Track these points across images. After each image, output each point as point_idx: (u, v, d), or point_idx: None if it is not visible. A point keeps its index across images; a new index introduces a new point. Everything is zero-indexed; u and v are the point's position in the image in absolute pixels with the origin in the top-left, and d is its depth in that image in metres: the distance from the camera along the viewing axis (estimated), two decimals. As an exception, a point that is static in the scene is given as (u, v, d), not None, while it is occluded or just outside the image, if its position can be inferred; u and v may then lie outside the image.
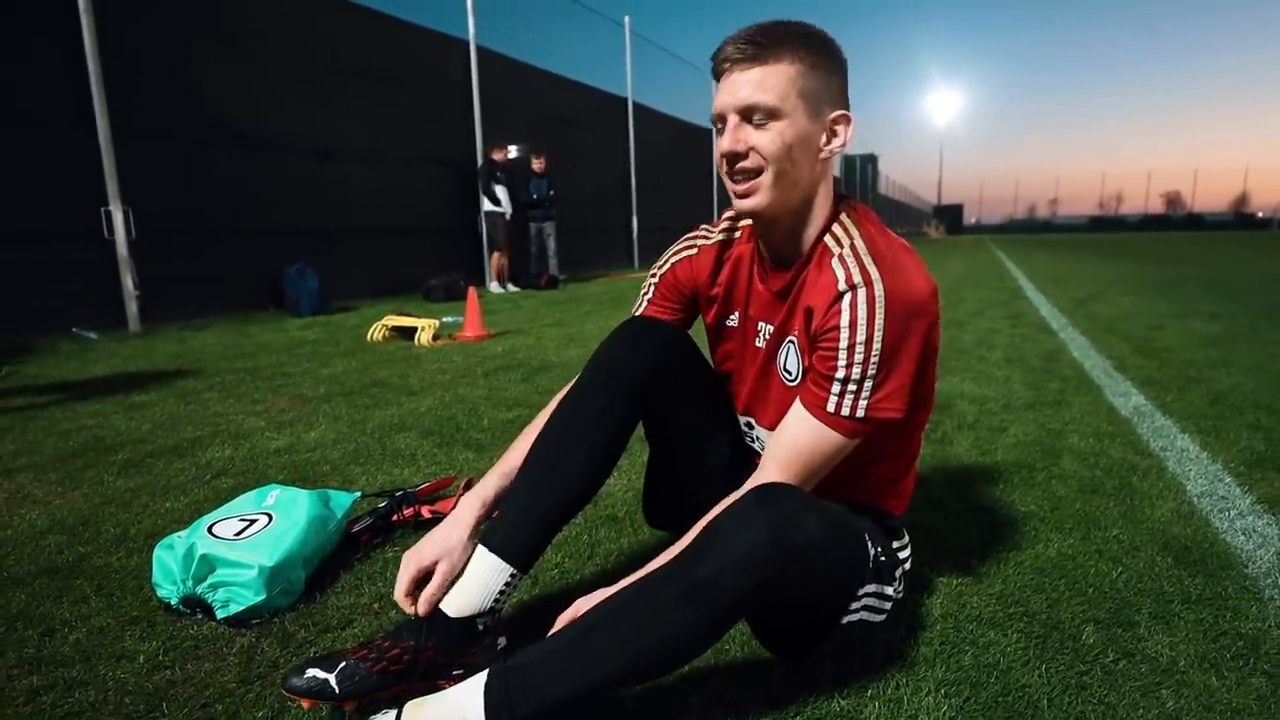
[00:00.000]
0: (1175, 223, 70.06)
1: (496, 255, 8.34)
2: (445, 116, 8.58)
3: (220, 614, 1.15)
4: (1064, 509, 1.59)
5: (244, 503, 1.39)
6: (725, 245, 1.14)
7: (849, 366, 0.90)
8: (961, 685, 0.97)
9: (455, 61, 8.67)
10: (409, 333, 4.42)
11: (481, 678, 0.83)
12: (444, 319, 4.89)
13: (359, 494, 1.52)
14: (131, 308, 5.29)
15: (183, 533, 1.29)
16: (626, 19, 12.48)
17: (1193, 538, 1.44)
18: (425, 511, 1.53)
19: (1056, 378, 2.99)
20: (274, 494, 1.40)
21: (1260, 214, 73.52)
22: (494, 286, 8.28)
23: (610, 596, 0.88)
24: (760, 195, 0.94)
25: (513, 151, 8.42)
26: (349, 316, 5.90)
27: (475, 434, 2.29)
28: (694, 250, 1.17)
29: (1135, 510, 1.59)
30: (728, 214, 1.16)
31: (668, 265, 1.20)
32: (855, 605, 0.98)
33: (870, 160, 44.98)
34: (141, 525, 1.58)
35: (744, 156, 0.93)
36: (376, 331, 4.46)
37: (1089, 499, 1.65)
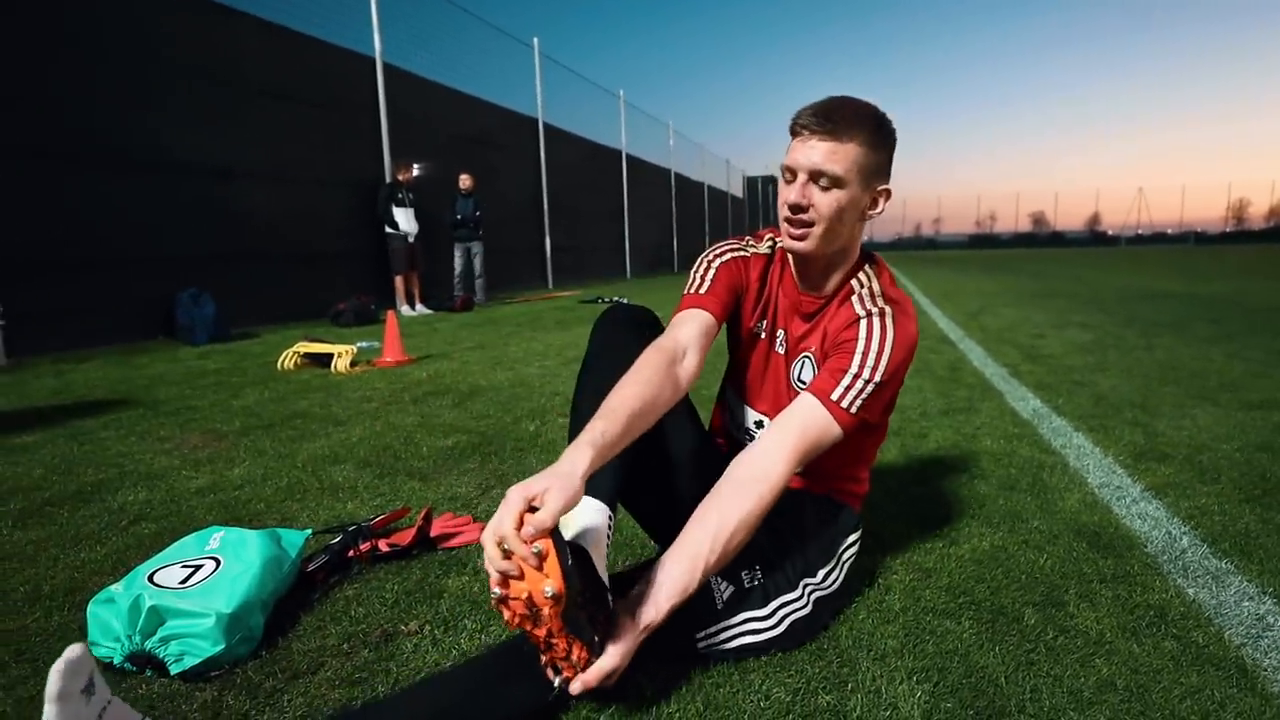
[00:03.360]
0: (1041, 240, 77.19)
1: (399, 278, 8.10)
2: (352, 135, 8.29)
3: (175, 669, 1.07)
4: (989, 505, 1.74)
5: (184, 548, 1.30)
6: (769, 261, 1.29)
7: (861, 366, 1.08)
8: (930, 671, 1.05)
9: (362, 79, 8.42)
10: (324, 359, 4.22)
11: None
12: (360, 344, 4.70)
13: (310, 531, 1.45)
14: (-5, 340, 4.77)
15: (118, 585, 1.19)
16: (535, 40, 12.56)
17: (1100, 524, 1.61)
18: (382, 545, 1.47)
19: (963, 385, 3.25)
20: (217, 536, 1.32)
21: (1110, 231, 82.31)
22: (405, 309, 8.03)
23: None
24: (809, 242, 1.12)
25: (416, 170, 8.23)
26: (252, 344, 5.56)
27: (416, 462, 2.22)
28: (746, 255, 1.29)
29: (1049, 503, 1.75)
30: (769, 234, 1.31)
31: (727, 257, 1.27)
32: (716, 638, 1.07)
33: (771, 180, 46.87)
34: (56, 581, 1.44)
35: (805, 210, 1.10)
36: (288, 359, 4.23)
37: (1009, 495, 1.81)
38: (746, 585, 1.10)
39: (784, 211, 1.12)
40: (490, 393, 3.32)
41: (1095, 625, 1.18)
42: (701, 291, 1.22)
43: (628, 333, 1.19)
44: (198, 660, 1.07)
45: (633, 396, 1.00)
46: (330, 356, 4.15)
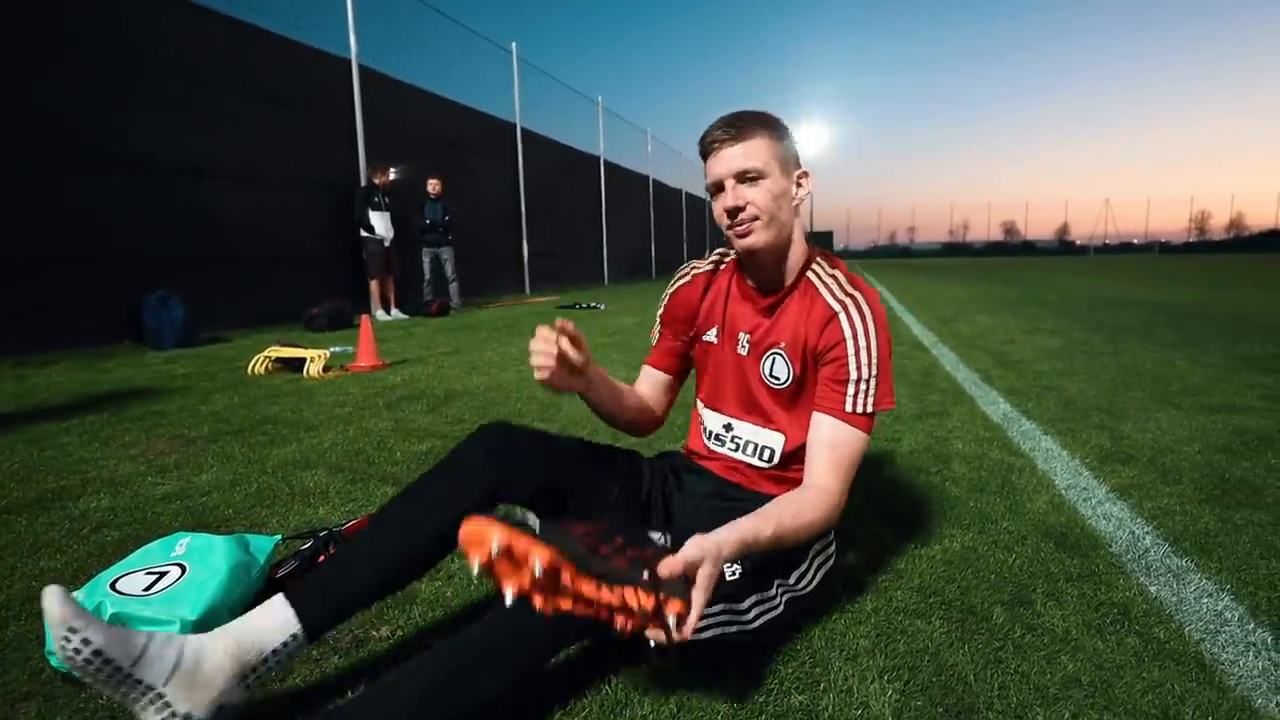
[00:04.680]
0: (1012, 249, 78.73)
1: (374, 282, 8.02)
2: (327, 137, 8.20)
3: None
4: (960, 507, 1.77)
5: (149, 554, 1.27)
6: (712, 274, 1.34)
7: (859, 368, 1.12)
8: (900, 670, 1.06)
9: (337, 81, 8.33)
10: (296, 364, 4.15)
11: None
12: (333, 349, 4.63)
13: (280, 536, 1.43)
14: (-47, 343, 4.63)
15: (80, 593, 1.16)
16: (513, 45, 12.54)
17: (1066, 525, 1.64)
18: (353, 549, 1.45)
19: (935, 390, 3.30)
20: (183, 542, 1.29)
21: (1079, 241, 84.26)
22: (380, 314, 7.95)
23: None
24: (756, 235, 1.16)
25: (393, 174, 8.16)
26: (222, 348, 5.46)
27: (389, 468, 2.20)
28: (687, 279, 1.36)
29: (1018, 504, 1.79)
30: (718, 250, 1.38)
31: (669, 296, 1.38)
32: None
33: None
34: (13, 589, 1.40)
35: (743, 208, 1.14)
36: (259, 364, 4.16)
37: (979, 497, 1.84)
38: (728, 578, 1.11)
39: (724, 221, 1.17)
40: (465, 397, 3.30)
41: (1061, 623, 1.20)
42: (653, 344, 1.40)
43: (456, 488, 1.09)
44: None
45: (622, 386, 1.32)
46: (302, 361, 4.09)
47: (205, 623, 1.10)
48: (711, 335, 1.32)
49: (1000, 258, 56.91)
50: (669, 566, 0.83)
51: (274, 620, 0.97)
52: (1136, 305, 8.22)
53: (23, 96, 5.15)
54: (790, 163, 1.18)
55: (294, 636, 0.96)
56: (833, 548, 1.26)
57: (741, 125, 1.14)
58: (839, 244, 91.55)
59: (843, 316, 1.15)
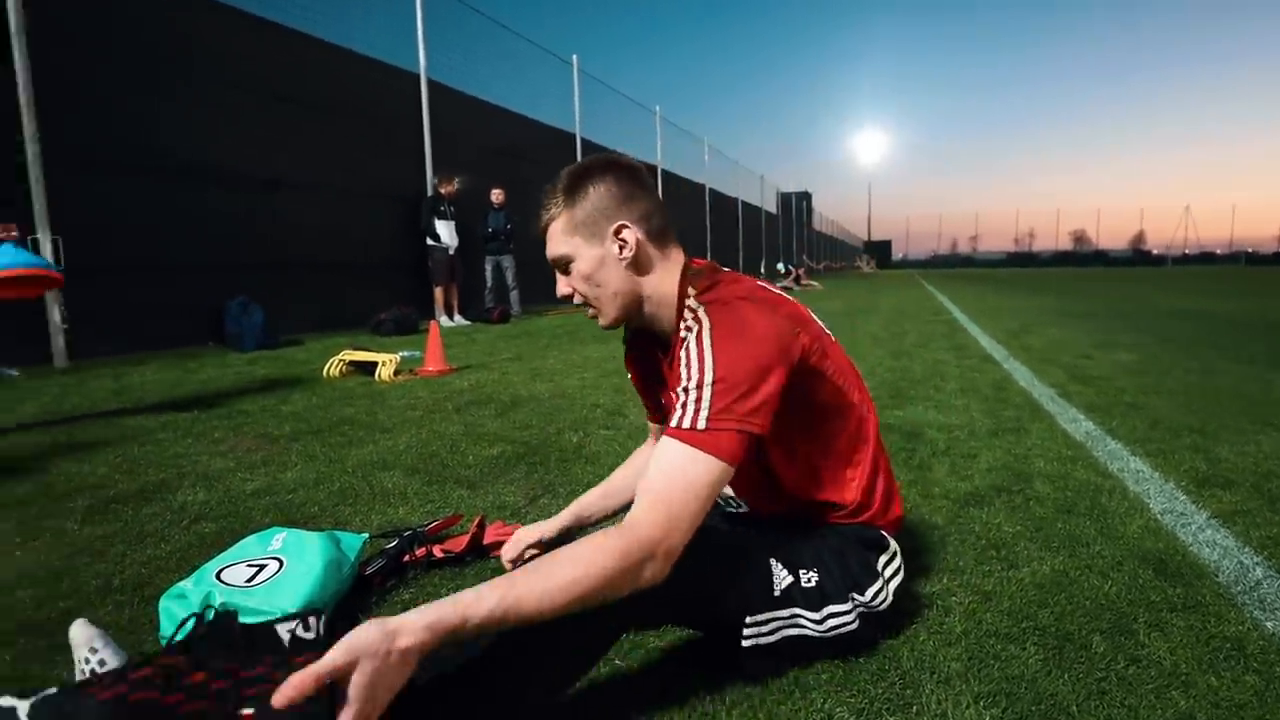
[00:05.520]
0: (1082, 258, 75.30)
1: (439, 289, 8.25)
2: (395, 149, 8.51)
3: None
4: (1047, 529, 1.70)
5: (247, 547, 1.34)
6: (630, 349, 1.29)
7: (687, 379, 0.95)
8: (996, 696, 1.02)
9: (406, 94, 8.64)
10: (368, 368, 4.31)
11: None
12: (402, 354, 4.78)
13: (368, 535, 1.48)
14: (58, 342, 4.98)
15: (188, 581, 1.23)
16: (574, 57, 12.76)
17: (1166, 551, 1.56)
18: (437, 551, 1.49)
19: (1010, 406, 3.18)
20: (279, 537, 1.35)
21: (1155, 251, 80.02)
22: (443, 320, 8.16)
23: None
24: (601, 318, 1.13)
25: (458, 184, 8.39)
26: (297, 351, 5.70)
27: (463, 470, 2.25)
28: (626, 350, 1.30)
29: (1110, 528, 1.70)
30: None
31: (628, 362, 1.31)
32: (764, 628, 1.05)
33: (805, 197, 46.81)
34: (125, 576, 1.49)
35: (572, 296, 1.12)
36: (334, 367, 4.33)
37: (1067, 519, 1.77)
38: (804, 584, 1.09)
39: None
40: (531, 403, 3.35)
41: (1169, 656, 1.14)
42: (647, 407, 1.37)
43: None
44: None
45: (619, 483, 1.41)
46: (374, 365, 4.24)
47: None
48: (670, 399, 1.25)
49: (1069, 268, 54.50)
50: (292, 689, 0.62)
51: None
52: (1223, 320, 7.75)
53: (127, 117, 5.52)
54: (601, 223, 1.06)
55: None
56: (899, 560, 1.21)
57: (542, 213, 1.10)
58: (897, 253, 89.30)
59: (689, 337, 1.00)
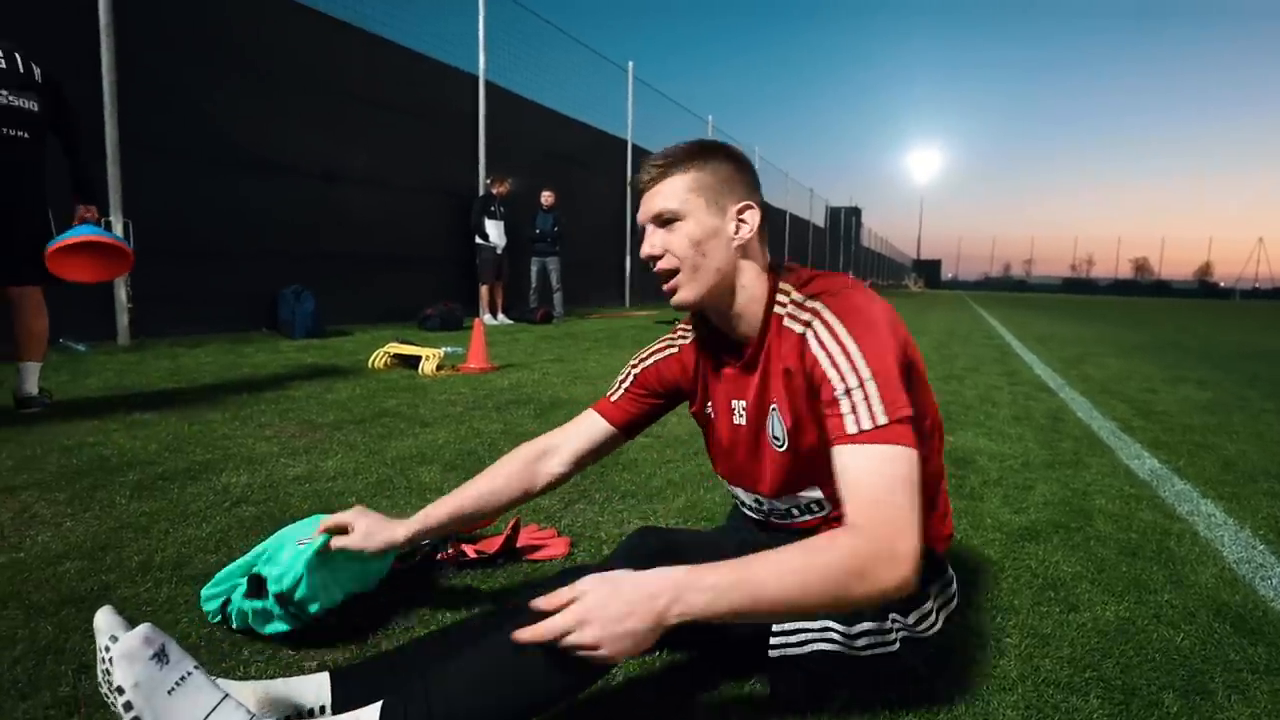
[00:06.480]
0: (1144, 288, 72.39)
1: (485, 288, 8.34)
2: (450, 148, 8.66)
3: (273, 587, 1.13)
4: (1109, 571, 1.59)
5: (287, 537, 1.33)
6: (685, 346, 1.21)
7: (843, 378, 0.91)
8: (1058, 754, 0.95)
9: (464, 94, 8.79)
10: (412, 361, 4.36)
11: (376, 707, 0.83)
12: (445, 349, 4.83)
13: (403, 529, 1.47)
14: (123, 320, 5.18)
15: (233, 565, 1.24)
16: (630, 64, 12.82)
17: (1244, 605, 1.44)
18: (469, 550, 1.48)
19: (1067, 437, 3.03)
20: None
21: (1223, 284, 76.45)
22: (487, 318, 8.25)
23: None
24: (684, 291, 1.03)
25: (509, 184, 8.49)
26: (344, 341, 5.82)
27: (499, 469, 2.23)
28: (675, 349, 1.22)
29: (1180, 575, 1.59)
30: (679, 325, 1.24)
31: (650, 361, 1.24)
32: (792, 638, 1.01)
33: (854, 212, 46.15)
34: (166, 553, 1.51)
35: (660, 257, 1.03)
36: (379, 359, 4.40)
37: (1131, 562, 1.66)
38: None
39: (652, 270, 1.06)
40: (570, 406, 3.34)
41: (1250, 722, 1.04)
42: (613, 399, 1.24)
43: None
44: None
45: (473, 492, 1.21)
46: (418, 359, 4.29)
47: (340, 605, 1.14)
48: (710, 409, 1.18)
49: (1129, 297, 52.41)
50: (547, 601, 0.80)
51: (307, 690, 0.94)
52: (1301, 359, 7.31)
53: (198, 110, 5.73)
54: (723, 196, 1.02)
55: (322, 708, 0.93)
56: (953, 587, 1.13)
57: (662, 164, 1.03)
58: (947, 273, 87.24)
59: (809, 334, 0.96)
